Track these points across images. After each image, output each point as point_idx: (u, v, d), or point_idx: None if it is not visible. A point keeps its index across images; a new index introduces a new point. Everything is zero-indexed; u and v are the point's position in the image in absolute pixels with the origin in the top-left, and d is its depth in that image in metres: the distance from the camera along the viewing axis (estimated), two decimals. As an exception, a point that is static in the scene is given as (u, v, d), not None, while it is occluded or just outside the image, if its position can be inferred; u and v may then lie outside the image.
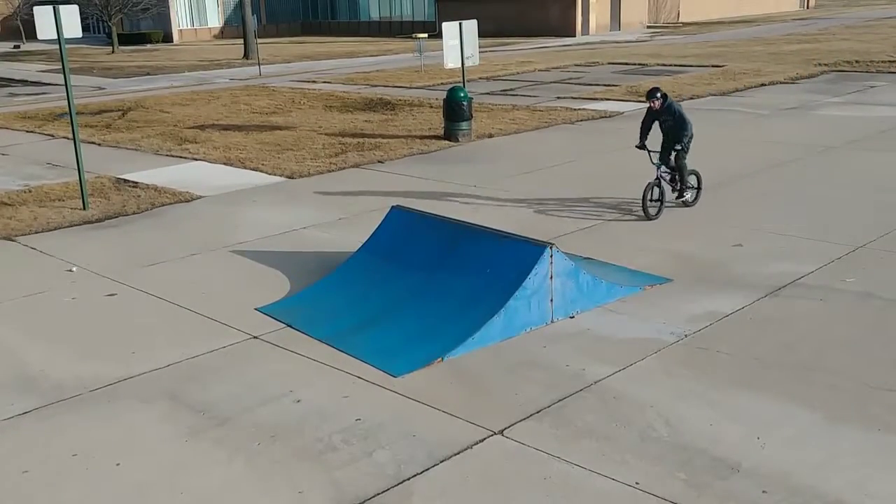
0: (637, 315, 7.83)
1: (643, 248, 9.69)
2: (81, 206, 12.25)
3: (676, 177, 11.03)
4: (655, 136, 10.93)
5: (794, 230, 10.17)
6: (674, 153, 10.85)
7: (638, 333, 7.44)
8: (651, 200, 10.76)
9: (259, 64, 33.23)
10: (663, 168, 10.93)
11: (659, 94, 10.74)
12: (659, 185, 10.83)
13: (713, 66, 27.98)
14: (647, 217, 10.72)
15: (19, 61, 43.45)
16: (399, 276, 8.39)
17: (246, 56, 39.00)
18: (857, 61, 27.53)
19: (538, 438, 5.81)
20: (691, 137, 10.77)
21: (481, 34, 17.31)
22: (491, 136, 17.07)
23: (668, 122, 10.78)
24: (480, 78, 26.41)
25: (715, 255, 9.44)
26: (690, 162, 11.05)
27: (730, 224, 10.53)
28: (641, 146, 10.90)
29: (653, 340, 7.28)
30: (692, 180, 11.25)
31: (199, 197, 12.94)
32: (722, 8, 59.51)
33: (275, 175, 14.23)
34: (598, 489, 5.22)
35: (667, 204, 10.95)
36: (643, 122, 11.02)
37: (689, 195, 11.21)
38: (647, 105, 10.91)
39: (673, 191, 11.12)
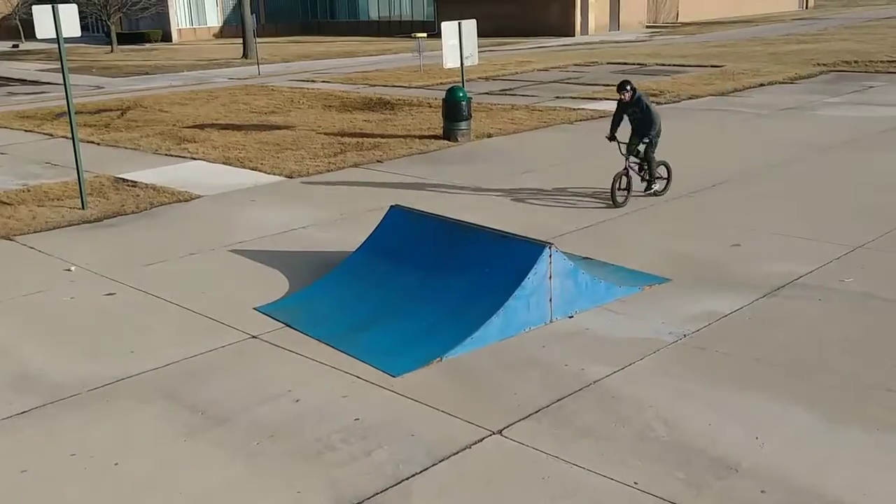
0: (636, 315, 7.83)
1: (642, 248, 9.69)
2: (80, 206, 12.24)
3: (645, 167, 11.52)
4: (627, 128, 11.40)
5: (792, 230, 10.17)
6: (642, 145, 11.33)
7: (637, 333, 7.44)
8: (619, 189, 11.28)
9: (258, 63, 33.21)
10: (632, 159, 11.47)
11: (629, 87, 11.22)
12: (627, 175, 11.34)
13: (712, 66, 27.98)
14: (615, 205, 11.27)
15: (18, 60, 43.43)
16: (398, 275, 8.38)
17: (245, 55, 38.99)
18: (855, 61, 27.53)
19: (537, 438, 5.81)
20: (659, 131, 11.30)
21: (480, 34, 17.29)
22: (490, 135, 17.07)
23: (637, 115, 11.30)
24: (479, 78, 26.40)
25: (714, 254, 9.44)
26: (672, 155, 11.33)
27: (728, 224, 10.53)
28: (611, 137, 11.48)
29: (651, 340, 7.28)
30: (661, 171, 11.74)
31: (198, 196, 12.93)
32: (721, 8, 59.52)
33: (274, 174, 14.23)
34: (597, 489, 5.22)
35: (635, 193, 11.49)
36: (614, 115, 11.64)
37: (657, 186, 11.72)
38: (618, 98, 11.40)
39: (642, 181, 11.62)
